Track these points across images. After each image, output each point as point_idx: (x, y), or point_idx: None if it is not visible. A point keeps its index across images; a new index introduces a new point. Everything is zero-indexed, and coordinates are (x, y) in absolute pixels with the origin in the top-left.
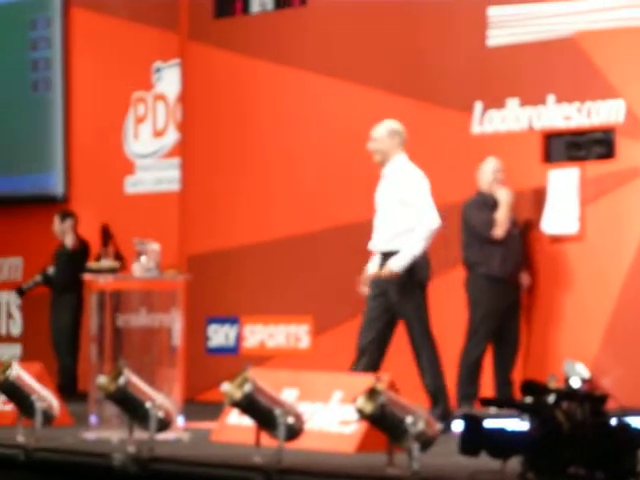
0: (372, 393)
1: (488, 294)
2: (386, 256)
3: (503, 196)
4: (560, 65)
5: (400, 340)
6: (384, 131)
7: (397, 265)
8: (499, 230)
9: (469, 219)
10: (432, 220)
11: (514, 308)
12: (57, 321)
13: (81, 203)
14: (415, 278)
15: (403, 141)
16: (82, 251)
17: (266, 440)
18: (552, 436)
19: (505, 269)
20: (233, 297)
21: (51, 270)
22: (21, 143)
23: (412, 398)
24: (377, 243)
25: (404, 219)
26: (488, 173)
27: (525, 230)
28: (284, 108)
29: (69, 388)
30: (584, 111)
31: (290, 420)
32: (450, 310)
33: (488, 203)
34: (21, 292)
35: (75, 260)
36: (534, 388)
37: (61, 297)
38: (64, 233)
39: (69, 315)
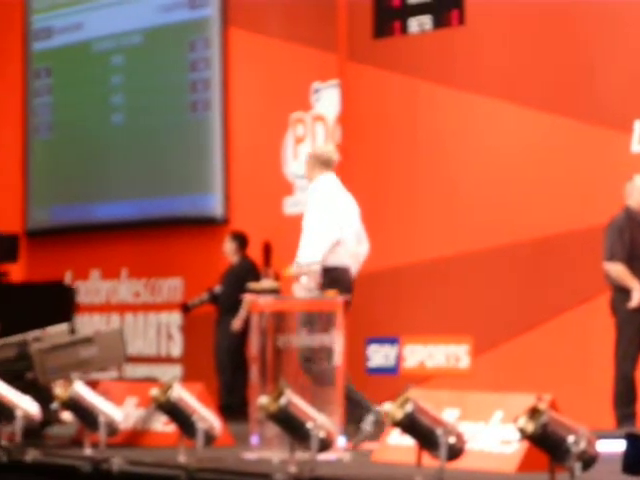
0: (534, 412)
1: (636, 312)
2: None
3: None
4: None
5: (561, 357)
6: (304, 160)
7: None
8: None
9: (614, 241)
10: (312, 255)
11: None
12: (222, 340)
13: (241, 224)
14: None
15: (322, 163)
16: (250, 272)
17: (427, 460)
18: None
19: None
20: (393, 317)
21: (218, 289)
22: (180, 164)
23: (574, 416)
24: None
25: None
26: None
27: None
28: (442, 127)
29: (232, 408)
30: None
31: (451, 440)
32: (600, 333)
33: (637, 220)
34: (187, 309)
35: (243, 280)
36: None
37: (227, 317)
38: (234, 253)
39: (234, 335)
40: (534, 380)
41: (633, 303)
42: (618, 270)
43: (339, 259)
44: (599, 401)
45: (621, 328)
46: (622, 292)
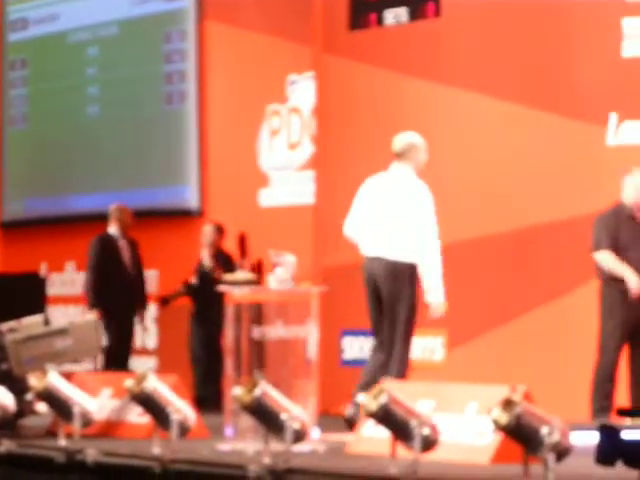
0: (508, 404)
1: (621, 306)
2: None
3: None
4: None
5: (536, 350)
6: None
7: None
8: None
9: (599, 232)
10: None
11: None
12: (197, 332)
13: (216, 216)
14: None
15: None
16: (226, 263)
17: (401, 451)
18: None
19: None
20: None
21: (194, 281)
22: (155, 156)
23: (548, 409)
24: None
25: None
26: (634, 186)
27: None
28: (418, 120)
29: (207, 400)
30: None
31: (426, 431)
32: (575, 326)
33: (627, 214)
34: (165, 302)
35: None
36: None
37: (202, 308)
38: (211, 245)
39: (210, 327)
40: (509, 373)
41: (634, 290)
42: (606, 257)
43: None
44: (574, 393)
45: (603, 321)
46: (608, 284)
